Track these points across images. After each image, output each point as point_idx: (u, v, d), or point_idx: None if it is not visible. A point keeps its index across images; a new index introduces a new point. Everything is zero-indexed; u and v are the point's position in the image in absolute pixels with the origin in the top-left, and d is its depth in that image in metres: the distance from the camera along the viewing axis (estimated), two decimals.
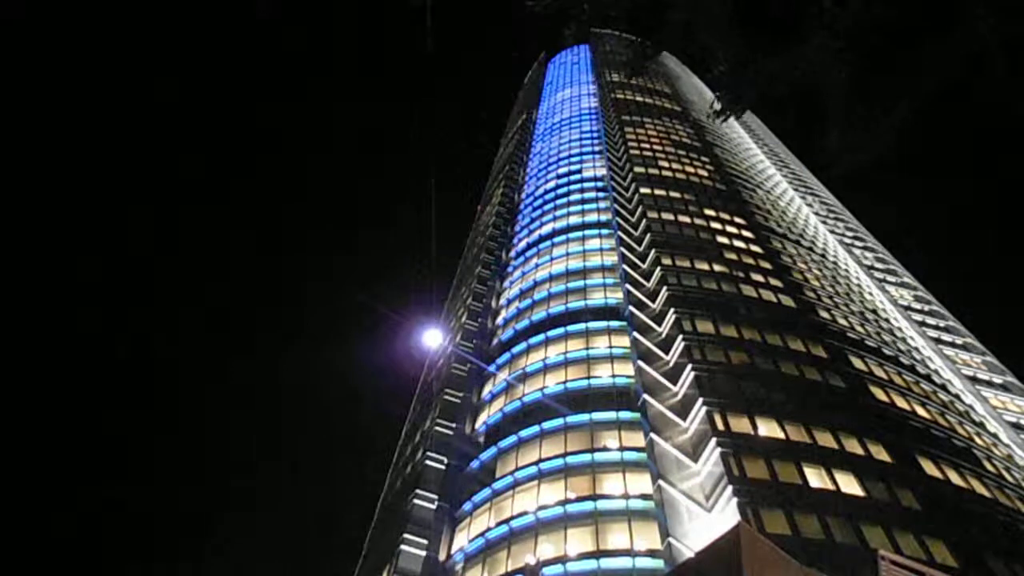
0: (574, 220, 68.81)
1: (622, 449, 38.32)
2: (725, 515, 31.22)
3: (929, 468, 35.77)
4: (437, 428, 46.82)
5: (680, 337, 44.48)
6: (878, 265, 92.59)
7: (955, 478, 35.86)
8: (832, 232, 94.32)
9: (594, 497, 35.74)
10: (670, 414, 39.57)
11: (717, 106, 11.00)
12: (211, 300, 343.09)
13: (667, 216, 64.12)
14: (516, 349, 51.34)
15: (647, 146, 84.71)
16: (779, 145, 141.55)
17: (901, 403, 42.15)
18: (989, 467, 39.15)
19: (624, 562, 31.93)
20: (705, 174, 78.65)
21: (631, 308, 49.15)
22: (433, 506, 40.53)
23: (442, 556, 37.82)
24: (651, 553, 31.79)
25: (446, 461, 43.92)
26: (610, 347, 47.14)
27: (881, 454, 35.82)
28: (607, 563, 32.02)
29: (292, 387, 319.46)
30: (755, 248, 60.88)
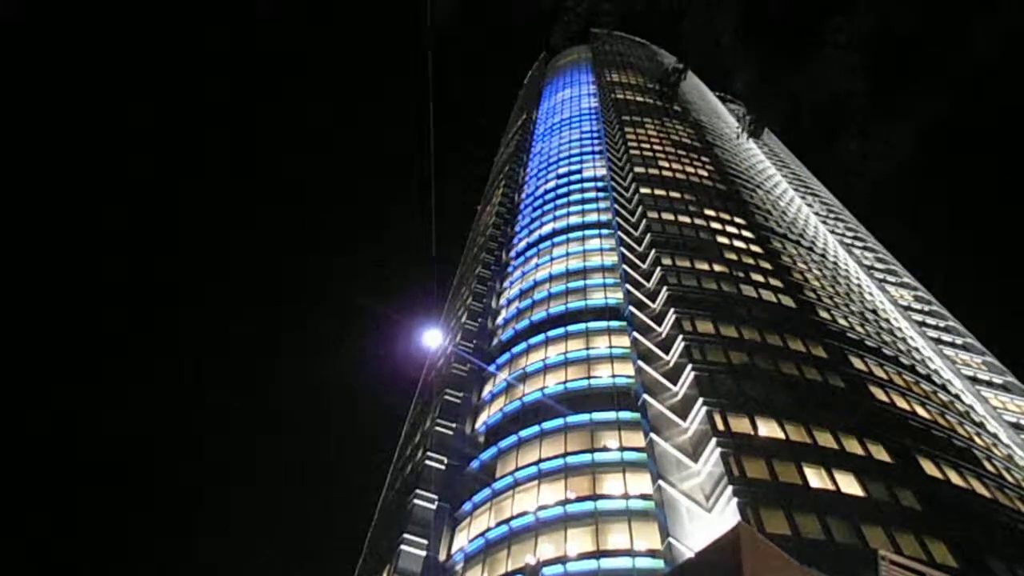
0: (574, 220, 68.81)
1: (622, 449, 38.31)
2: (725, 515, 31.21)
3: (929, 468, 35.75)
4: (437, 428, 46.80)
5: (680, 337, 44.47)
6: (878, 265, 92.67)
7: (955, 478, 35.84)
8: (832, 232, 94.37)
9: (594, 497, 35.73)
10: (670, 414, 39.56)
11: (739, 126, 10.97)
12: (211, 300, 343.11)
13: (667, 216, 64.12)
14: (516, 349, 51.33)
15: (647, 146, 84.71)
16: (779, 145, 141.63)
17: (901, 403, 42.14)
18: (989, 467, 39.13)
19: (624, 562, 31.90)
20: (705, 174, 78.65)
21: (631, 308, 49.13)
22: (433, 506, 40.50)
23: (442, 556, 37.81)
24: (651, 553, 31.76)
25: (446, 461, 43.89)
26: (610, 347, 47.13)
27: (881, 454, 35.81)
28: (607, 563, 31.99)
29: (292, 387, 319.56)
30: (755, 248, 60.88)
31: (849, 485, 33.21)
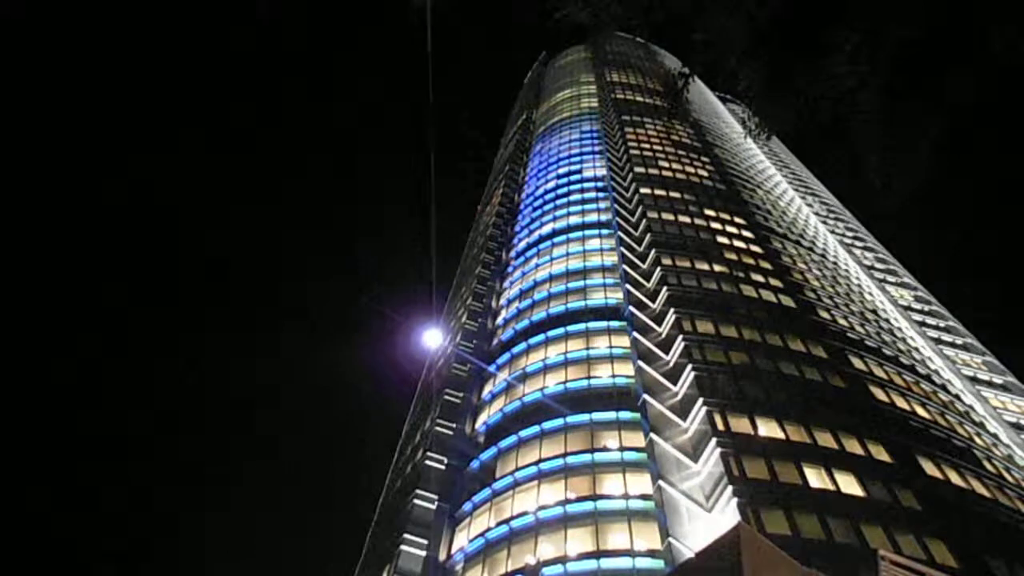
0: (574, 220, 68.78)
1: (622, 449, 38.30)
2: (725, 515, 31.20)
3: (929, 468, 35.75)
4: (437, 428, 46.78)
5: (680, 337, 44.45)
6: (878, 265, 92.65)
7: (955, 478, 35.84)
8: (832, 232, 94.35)
9: (594, 497, 35.72)
10: (670, 414, 39.55)
11: (743, 129, 10.90)
12: (212, 301, 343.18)
13: (667, 216, 64.09)
14: (516, 349, 51.31)
15: (647, 146, 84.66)
16: (780, 146, 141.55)
17: (901, 403, 42.12)
18: (989, 467, 39.12)
19: (624, 562, 31.89)
20: (705, 174, 78.60)
21: (631, 308, 49.12)
22: (433, 506, 40.50)
23: (442, 556, 37.81)
24: (651, 553, 31.76)
25: (446, 461, 43.90)
26: (610, 347, 47.11)
27: (881, 454, 35.81)
28: (607, 563, 31.98)
29: (293, 387, 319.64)
30: (755, 248, 60.85)
31: (849, 485, 33.21)
